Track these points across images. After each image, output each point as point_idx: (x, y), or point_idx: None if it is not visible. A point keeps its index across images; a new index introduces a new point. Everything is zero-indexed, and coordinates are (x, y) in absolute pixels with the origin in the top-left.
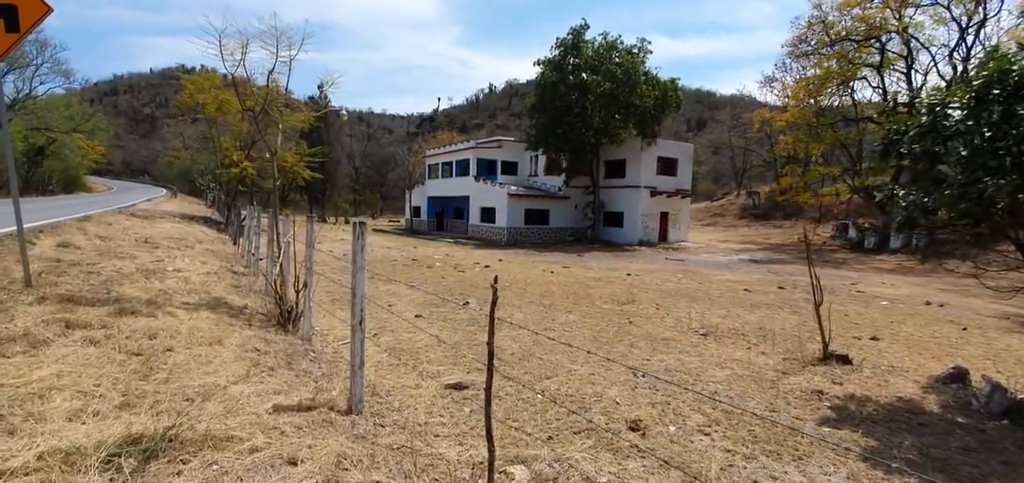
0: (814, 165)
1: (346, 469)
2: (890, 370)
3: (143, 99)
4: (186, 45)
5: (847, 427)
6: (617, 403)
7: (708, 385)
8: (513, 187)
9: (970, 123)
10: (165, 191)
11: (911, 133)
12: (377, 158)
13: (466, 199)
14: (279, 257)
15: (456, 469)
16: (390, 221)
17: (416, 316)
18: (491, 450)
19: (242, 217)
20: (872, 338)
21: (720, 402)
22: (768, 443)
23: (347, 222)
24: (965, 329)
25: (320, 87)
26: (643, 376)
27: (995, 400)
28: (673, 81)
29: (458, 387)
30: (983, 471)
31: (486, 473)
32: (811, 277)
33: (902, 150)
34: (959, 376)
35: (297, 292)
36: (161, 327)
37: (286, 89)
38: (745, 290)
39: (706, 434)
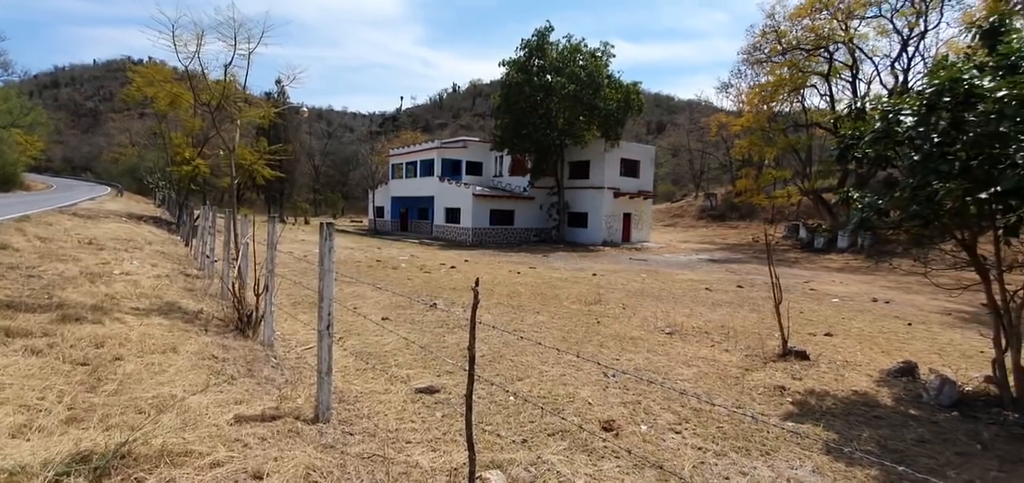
0: (767, 168)
1: (316, 482)
2: (844, 365)
3: (86, 92)
4: (132, 36)
5: (809, 421)
6: (590, 403)
7: (676, 383)
8: (478, 187)
9: (921, 129)
10: (110, 189)
11: (866, 138)
12: (338, 157)
13: (431, 199)
14: (237, 259)
15: (431, 477)
16: (352, 221)
17: (383, 319)
18: (472, 458)
19: (195, 217)
20: (826, 334)
21: (691, 397)
22: (737, 439)
23: (307, 222)
24: (910, 324)
25: (278, 82)
26: (614, 376)
27: (945, 393)
28: (635, 84)
29: (429, 391)
30: (939, 461)
31: (462, 481)
32: (771, 277)
33: (857, 154)
34: (908, 370)
35: (257, 296)
36: (109, 334)
37: (244, 84)
38: (706, 289)
39: (677, 432)
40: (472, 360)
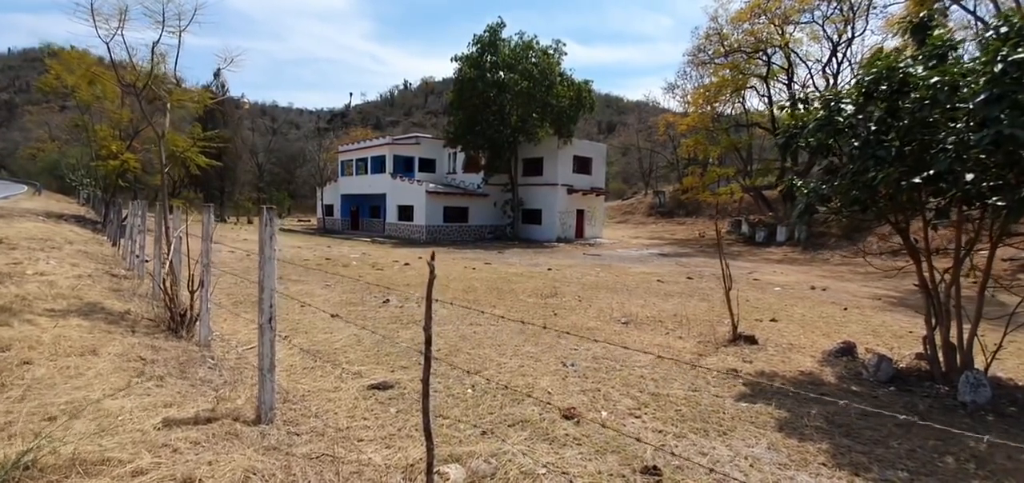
0: (712, 167)
1: None
2: (790, 348)
3: (0, 83)
4: (52, 24)
5: (762, 401)
6: (549, 393)
7: (634, 370)
8: (432, 185)
9: (860, 116)
10: (26, 188)
11: (810, 126)
12: (283, 154)
13: (383, 197)
14: (168, 254)
15: (385, 475)
16: (300, 220)
17: (333, 315)
18: (430, 449)
19: (123, 216)
20: (772, 320)
21: (648, 381)
22: (695, 421)
23: (251, 222)
24: (846, 309)
25: (217, 74)
26: (573, 365)
27: (882, 370)
28: (587, 83)
29: (382, 387)
30: (882, 433)
31: (418, 476)
32: (722, 268)
33: (800, 143)
34: (848, 350)
35: (191, 293)
36: (17, 337)
37: (175, 65)
38: (658, 281)
39: (637, 417)
40: (429, 342)
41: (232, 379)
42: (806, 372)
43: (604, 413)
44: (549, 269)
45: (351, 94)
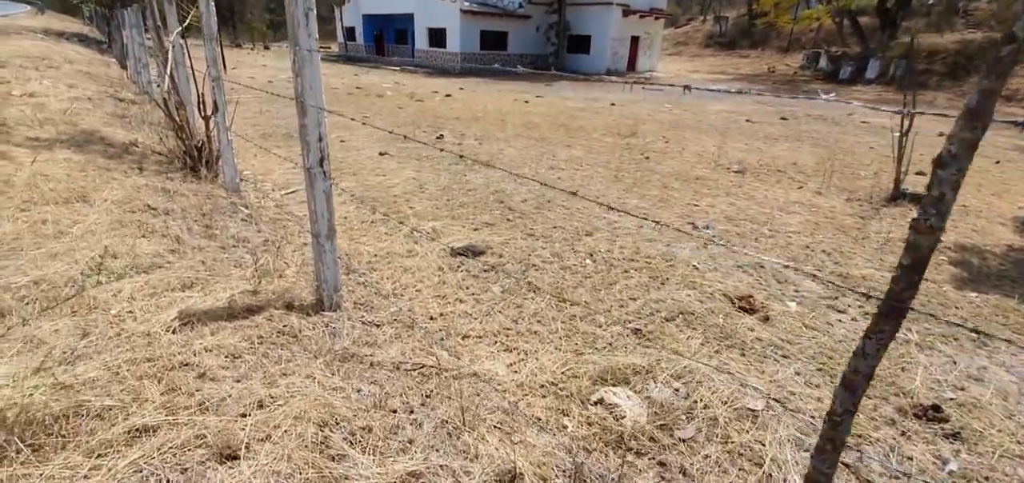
0: None
1: (339, 455)
2: (964, 211)
3: None
4: None
5: (992, 291)
6: (697, 269)
7: (790, 237)
8: (466, 3)
9: None
10: (28, 8)
11: None
12: None
13: (410, 18)
14: (166, 66)
15: (521, 400)
16: (321, 46)
17: (380, 153)
18: None
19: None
20: (917, 172)
21: (824, 257)
22: (927, 321)
23: (267, 48)
24: (998, 162)
25: None
26: (709, 230)
27: None
28: None
29: (470, 252)
30: None
31: (572, 405)
32: (904, 103)
33: None
34: None
35: (206, 118)
36: None
37: None
38: (748, 121)
39: (840, 311)
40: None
41: (275, 237)
42: (1016, 247)
43: (793, 305)
44: (612, 104)
45: None
